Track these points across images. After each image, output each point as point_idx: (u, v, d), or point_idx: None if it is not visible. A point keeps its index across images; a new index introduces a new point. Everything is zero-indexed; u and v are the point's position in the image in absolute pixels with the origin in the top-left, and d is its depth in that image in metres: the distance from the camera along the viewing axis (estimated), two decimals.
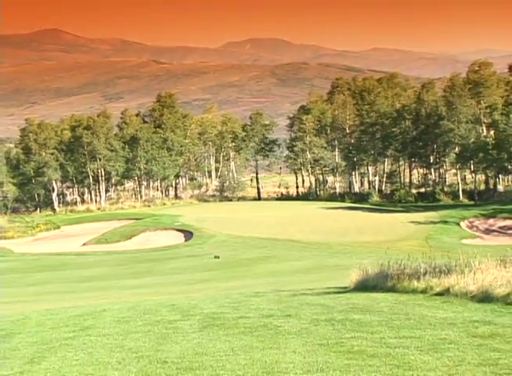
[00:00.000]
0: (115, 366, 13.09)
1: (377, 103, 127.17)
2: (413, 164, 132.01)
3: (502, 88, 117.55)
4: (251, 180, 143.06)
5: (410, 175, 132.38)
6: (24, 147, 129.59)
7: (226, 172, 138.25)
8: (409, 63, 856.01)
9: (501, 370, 11.00)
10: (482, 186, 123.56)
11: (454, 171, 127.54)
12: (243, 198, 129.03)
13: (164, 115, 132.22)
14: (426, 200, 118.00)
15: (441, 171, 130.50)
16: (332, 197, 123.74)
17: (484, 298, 19.76)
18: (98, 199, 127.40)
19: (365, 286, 25.70)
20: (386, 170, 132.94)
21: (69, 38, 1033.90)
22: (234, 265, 60.79)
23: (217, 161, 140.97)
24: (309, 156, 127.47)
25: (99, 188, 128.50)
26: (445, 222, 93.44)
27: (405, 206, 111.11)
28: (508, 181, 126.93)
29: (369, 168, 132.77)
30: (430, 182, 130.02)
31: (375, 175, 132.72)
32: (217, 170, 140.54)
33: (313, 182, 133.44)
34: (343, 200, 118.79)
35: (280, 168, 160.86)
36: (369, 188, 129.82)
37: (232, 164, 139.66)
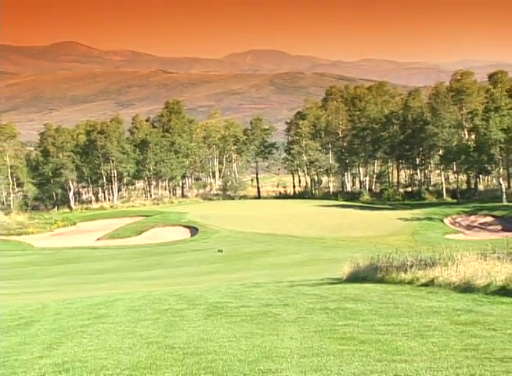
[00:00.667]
0: (126, 351, 13.10)
1: (368, 110, 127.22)
2: (401, 166, 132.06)
3: (483, 96, 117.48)
4: (252, 180, 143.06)
5: (398, 176, 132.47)
6: (43, 150, 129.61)
7: (229, 173, 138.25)
8: (397, 72, 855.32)
9: (482, 355, 11.00)
10: (464, 186, 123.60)
11: (438, 171, 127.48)
12: (244, 197, 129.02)
13: (172, 120, 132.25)
14: (412, 198, 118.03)
15: (426, 171, 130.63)
16: (326, 196, 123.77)
17: (466, 288, 19.76)
18: (111, 197, 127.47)
19: (356, 277, 25.70)
20: (376, 171, 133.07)
21: (84, 50, 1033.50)
22: (236, 259, 60.82)
23: (220, 163, 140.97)
24: (305, 158, 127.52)
25: (111, 187, 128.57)
26: (430, 219, 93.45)
27: (393, 204, 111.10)
28: (488, 181, 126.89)
29: (360, 169, 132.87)
30: (416, 182, 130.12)
31: (365, 176, 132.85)
32: (220, 171, 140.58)
33: (309, 182, 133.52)
34: (336, 199, 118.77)
35: (278, 169, 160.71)
36: (360, 187, 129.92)
37: (234, 165, 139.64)
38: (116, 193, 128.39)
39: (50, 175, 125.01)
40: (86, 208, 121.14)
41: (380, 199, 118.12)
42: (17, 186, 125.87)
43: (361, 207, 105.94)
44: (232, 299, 21.00)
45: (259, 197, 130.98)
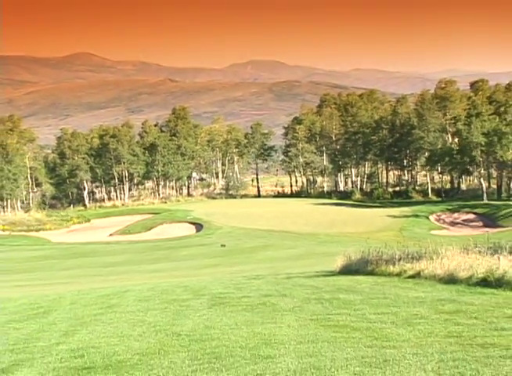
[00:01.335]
0: (137, 338, 13.10)
1: (359, 115, 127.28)
2: (389, 167, 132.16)
3: (465, 103, 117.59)
4: (252, 180, 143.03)
5: (387, 176, 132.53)
6: (60, 153, 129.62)
7: (231, 174, 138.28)
8: (386, 81, 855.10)
9: (464, 341, 11.00)
10: (448, 185, 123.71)
11: (424, 172, 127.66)
12: (245, 196, 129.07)
13: (178, 125, 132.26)
14: (400, 197, 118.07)
15: (413, 172, 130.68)
16: (320, 195, 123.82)
17: (450, 280, 19.77)
18: (122, 196, 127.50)
19: (348, 270, 25.71)
20: (366, 172, 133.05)
21: (98, 60, 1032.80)
22: (238, 253, 60.82)
23: (223, 164, 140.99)
24: (301, 160, 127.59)
25: (123, 187, 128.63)
26: (417, 216, 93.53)
27: (382, 202, 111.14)
28: (470, 181, 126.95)
29: (352, 170, 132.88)
30: (404, 182, 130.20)
31: (357, 176, 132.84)
32: (223, 172, 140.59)
33: (305, 182, 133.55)
34: (330, 198, 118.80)
35: (277, 170, 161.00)
36: (352, 187, 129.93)
37: (236, 166, 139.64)
38: (127, 193, 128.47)
39: (66, 175, 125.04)
40: (99, 206, 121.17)
41: (371, 198, 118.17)
42: (36, 186, 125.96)
43: (353, 206, 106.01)
44: (234, 290, 21.01)
45: (259, 196, 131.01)
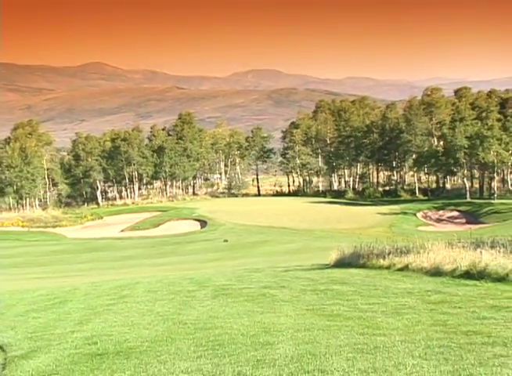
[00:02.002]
0: (146, 326, 13.10)
1: (351, 120, 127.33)
2: (380, 168, 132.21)
3: (449, 108, 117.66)
4: (253, 180, 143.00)
5: (377, 176, 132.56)
6: (75, 155, 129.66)
7: (233, 174, 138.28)
8: (377, 88, 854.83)
9: (449, 329, 11.00)
10: (434, 185, 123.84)
11: (412, 173, 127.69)
12: (246, 195, 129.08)
13: (184, 130, 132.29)
14: (390, 196, 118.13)
15: (401, 173, 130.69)
16: (316, 194, 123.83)
17: (436, 272, 19.76)
18: (132, 195, 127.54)
19: (342, 263, 25.69)
20: (358, 172, 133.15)
21: (109, 69, 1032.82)
22: (239, 248, 60.81)
23: (225, 165, 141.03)
24: (298, 161, 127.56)
25: (133, 187, 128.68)
26: (405, 213, 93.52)
27: (373, 201, 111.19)
28: (454, 181, 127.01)
29: (345, 170, 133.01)
30: (393, 182, 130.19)
31: (350, 176, 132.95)
32: (225, 172, 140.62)
33: (301, 182, 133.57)
34: (325, 196, 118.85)
35: (275, 171, 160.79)
36: (345, 186, 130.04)
37: (238, 167, 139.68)
38: (137, 192, 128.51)
39: (81, 176, 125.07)
40: (111, 204, 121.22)
41: (362, 196, 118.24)
42: (53, 186, 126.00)
43: (346, 204, 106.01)
44: (236, 282, 21.00)
45: (259, 195, 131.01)
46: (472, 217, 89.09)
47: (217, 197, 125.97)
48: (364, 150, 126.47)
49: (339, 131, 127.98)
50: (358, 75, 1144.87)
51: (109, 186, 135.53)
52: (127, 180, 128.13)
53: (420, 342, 9.95)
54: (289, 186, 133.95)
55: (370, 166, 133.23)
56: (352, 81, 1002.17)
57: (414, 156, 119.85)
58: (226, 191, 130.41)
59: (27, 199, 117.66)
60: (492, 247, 21.66)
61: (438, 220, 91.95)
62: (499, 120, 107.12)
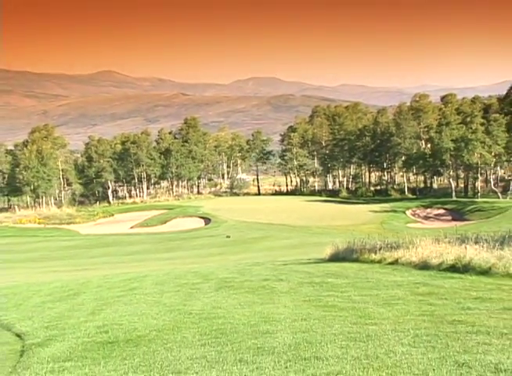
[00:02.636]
0: (154, 316, 13.10)
1: (345, 124, 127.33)
2: (371, 169, 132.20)
3: (436, 113, 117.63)
4: (253, 180, 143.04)
5: (369, 177, 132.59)
6: (87, 157, 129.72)
7: (235, 174, 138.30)
8: (368, 95, 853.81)
9: (436, 319, 11.00)
10: (422, 185, 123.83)
11: (401, 173, 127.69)
12: (247, 194, 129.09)
13: (190, 133, 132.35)
14: (381, 195, 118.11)
15: (391, 173, 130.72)
16: (312, 193, 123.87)
17: (424, 266, 19.76)
18: (141, 194, 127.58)
19: (336, 258, 25.68)
20: (351, 173, 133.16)
21: (120, 77, 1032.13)
22: (240, 243, 60.82)
23: (228, 166, 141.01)
24: (295, 163, 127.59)
25: (142, 186, 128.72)
26: (395, 211, 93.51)
27: (365, 199, 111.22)
28: (440, 181, 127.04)
29: (339, 171, 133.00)
30: (384, 182, 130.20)
31: (343, 177, 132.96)
32: (228, 173, 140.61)
33: (298, 182, 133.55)
34: (320, 195, 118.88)
35: (274, 172, 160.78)
36: (340, 186, 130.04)
37: (239, 168, 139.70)
38: (145, 191, 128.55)
39: (93, 176, 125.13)
40: (122, 203, 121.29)
41: (355, 195, 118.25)
42: (67, 185, 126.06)
43: (340, 202, 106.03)
44: (238, 275, 21.00)
45: (259, 194, 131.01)
46: (457, 214, 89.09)
47: (220, 195, 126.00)
48: (357, 152, 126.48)
49: (333, 134, 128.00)
50: (351, 82, 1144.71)
51: (120, 186, 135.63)
52: (136, 180, 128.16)
53: (409, 331, 9.95)
54: (287, 185, 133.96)
55: (363, 167, 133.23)
56: (346, 87, 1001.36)
57: (403, 158, 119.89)
58: (228, 190, 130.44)
59: (43, 198, 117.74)
60: (476, 242, 21.65)
61: (426, 217, 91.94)
62: (482, 124, 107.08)
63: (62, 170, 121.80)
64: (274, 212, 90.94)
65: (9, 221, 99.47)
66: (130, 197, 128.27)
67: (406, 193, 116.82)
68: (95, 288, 20.24)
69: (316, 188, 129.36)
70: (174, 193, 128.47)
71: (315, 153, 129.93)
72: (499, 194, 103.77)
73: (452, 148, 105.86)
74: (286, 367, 8.07)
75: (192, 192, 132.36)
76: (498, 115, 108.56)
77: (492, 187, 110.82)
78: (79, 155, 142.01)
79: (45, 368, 9.26)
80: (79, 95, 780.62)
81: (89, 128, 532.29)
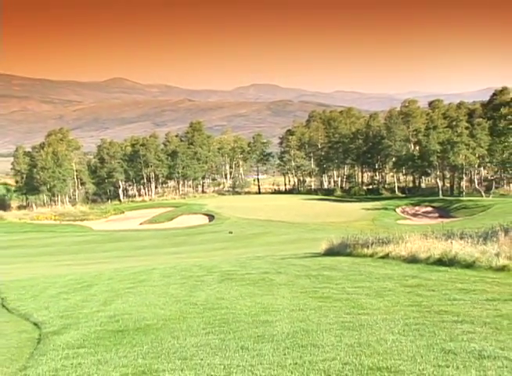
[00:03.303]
0: (161, 306, 13.11)
1: (339, 128, 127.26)
2: (364, 169, 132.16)
3: (424, 118, 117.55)
4: (254, 180, 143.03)
5: (362, 177, 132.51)
6: (100, 158, 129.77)
7: (237, 175, 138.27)
8: (361, 100, 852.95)
9: (424, 309, 11.00)
10: (411, 184, 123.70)
11: (392, 174, 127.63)
12: (248, 192, 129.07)
13: (195, 136, 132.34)
14: (372, 193, 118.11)
15: (382, 174, 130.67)
16: (309, 192, 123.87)
17: (412, 260, 19.75)
18: (150, 193, 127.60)
19: (331, 252, 25.68)
20: (345, 173, 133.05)
21: (129, 84, 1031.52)
22: (242, 238, 60.83)
23: (230, 167, 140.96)
24: (293, 163, 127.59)
25: (150, 185, 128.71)
26: (386, 209, 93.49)
27: (358, 198, 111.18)
28: (428, 180, 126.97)
29: (334, 171, 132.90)
30: (376, 182, 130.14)
31: (338, 177, 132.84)
32: (230, 173, 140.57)
33: (296, 182, 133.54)
34: (316, 194, 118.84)
35: (274, 172, 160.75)
36: (334, 185, 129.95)
37: (241, 169, 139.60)
38: (153, 190, 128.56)
39: (105, 176, 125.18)
40: (131, 201, 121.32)
41: (349, 194, 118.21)
42: (81, 185, 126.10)
43: (335, 200, 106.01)
44: (239, 268, 21.00)
45: (259, 193, 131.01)
46: (444, 212, 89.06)
47: (223, 194, 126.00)
48: (350, 154, 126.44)
49: (329, 137, 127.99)
50: (345, 89, 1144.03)
51: (130, 185, 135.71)
52: (145, 180, 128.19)
53: (399, 320, 9.95)
54: (285, 185, 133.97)
55: (356, 168, 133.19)
56: (340, 94, 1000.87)
57: (394, 159, 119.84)
58: (231, 189, 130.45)
59: (59, 196, 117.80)
60: (461, 238, 21.65)
61: (415, 215, 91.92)
62: (467, 128, 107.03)
63: (76, 170, 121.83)
64: (273, 210, 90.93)
65: (27, 218, 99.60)
66: (139, 195, 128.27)
67: (396, 192, 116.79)
68: (106, 280, 20.25)
69: (313, 187, 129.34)
70: (181, 192, 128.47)
71: (311, 154, 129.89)
72: (483, 193, 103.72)
73: (438, 150, 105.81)
74: (285, 354, 8.07)
75: (197, 191, 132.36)
76: (481, 120, 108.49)
77: (476, 186, 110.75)
78: (92, 157, 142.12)
79: (60, 354, 9.27)
80: (92, 101, 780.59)
81: (101, 132, 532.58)
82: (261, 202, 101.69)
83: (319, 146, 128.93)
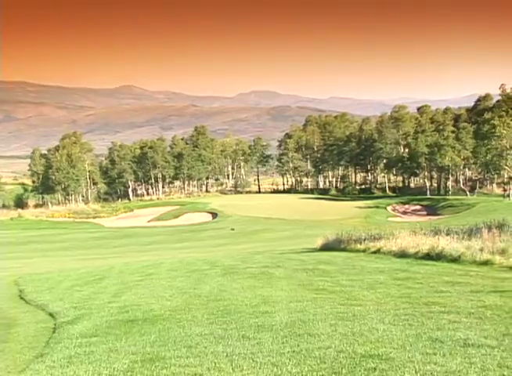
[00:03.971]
0: (168, 298, 13.11)
1: (334, 132, 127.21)
2: (357, 170, 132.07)
3: (413, 122, 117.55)
4: (254, 180, 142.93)
5: (355, 177, 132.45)
6: (111, 160, 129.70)
7: (238, 175, 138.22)
8: (355, 106, 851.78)
9: (413, 301, 11.01)
10: (401, 184, 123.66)
11: (383, 174, 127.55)
12: (249, 192, 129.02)
13: (199, 139, 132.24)
14: (365, 193, 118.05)
15: (374, 174, 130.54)
16: (305, 191, 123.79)
17: (402, 254, 19.76)
18: (157, 192, 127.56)
19: (327, 247, 25.69)
20: (340, 174, 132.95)
21: (138, 91, 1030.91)
22: (243, 235, 60.78)
23: (232, 168, 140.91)
24: (291, 165, 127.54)
25: (157, 185, 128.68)
26: (377, 207, 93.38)
27: (352, 197, 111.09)
28: (417, 181, 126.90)
29: (329, 172, 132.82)
30: (368, 182, 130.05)
31: (333, 177, 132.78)
32: (232, 174, 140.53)
33: (294, 182, 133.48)
34: (312, 193, 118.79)
35: (273, 173, 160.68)
36: (329, 185, 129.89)
37: (242, 170, 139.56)
38: (161, 189, 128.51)
39: (115, 176, 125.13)
40: (140, 200, 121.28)
41: (343, 193, 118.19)
42: (93, 185, 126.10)
43: (330, 199, 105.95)
44: (241, 262, 21.00)
45: (259, 192, 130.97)
46: (431, 210, 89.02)
47: (225, 193, 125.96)
48: (344, 156, 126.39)
49: (324, 140, 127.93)
50: (340, 95, 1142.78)
51: (139, 185, 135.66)
52: (153, 180, 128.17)
53: (390, 311, 9.95)
54: (284, 184, 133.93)
55: (349, 169, 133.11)
56: (335, 100, 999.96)
57: (385, 160, 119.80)
58: (233, 189, 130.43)
59: (73, 195, 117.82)
60: (448, 234, 21.66)
61: (404, 212, 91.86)
62: (453, 132, 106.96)
63: (88, 171, 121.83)
64: (272, 208, 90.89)
65: (43, 215, 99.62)
66: (147, 194, 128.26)
67: (387, 191, 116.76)
68: (117, 274, 20.26)
69: (309, 187, 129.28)
70: (186, 192, 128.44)
71: (308, 156, 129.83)
72: (468, 192, 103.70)
73: (426, 152, 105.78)
74: (283, 343, 8.08)
75: (201, 190, 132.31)
76: (466, 124, 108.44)
77: (461, 186, 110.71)
78: (103, 158, 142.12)
79: (74, 343, 9.27)
80: (103, 107, 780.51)
81: (112, 135, 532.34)
82: (261, 201, 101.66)
83: (315, 149, 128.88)
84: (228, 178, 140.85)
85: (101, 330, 10.15)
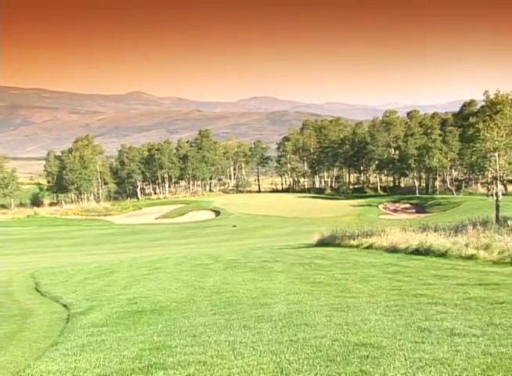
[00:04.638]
0: (174, 291, 13.11)
1: (329, 135, 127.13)
2: (351, 171, 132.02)
3: (403, 126, 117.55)
4: (255, 180, 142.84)
5: (349, 177, 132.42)
6: (120, 161, 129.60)
7: (240, 176, 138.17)
8: (348, 111, 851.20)
9: (403, 293, 11.00)
10: (391, 184, 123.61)
11: (375, 175, 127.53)
12: (249, 191, 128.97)
13: (203, 142, 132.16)
14: (358, 192, 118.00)
15: (367, 175, 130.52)
16: (302, 191, 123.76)
17: (393, 250, 19.76)
18: (164, 191, 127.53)
19: (322, 243, 25.70)
20: (335, 174, 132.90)
21: (146, 97, 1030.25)
22: (244, 231, 60.82)
23: (234, 169, 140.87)
24: (289, 166, 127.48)
25: (164, 185, 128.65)
26: (370, 205, 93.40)
27: (346, 196, 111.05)
28: (406, 181, 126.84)
29: (325, 173, 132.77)
30: (361, 182, 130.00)
31: (328, 177, 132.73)
32: (234, 174, 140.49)
33: (291, 182, 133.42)
34: (309, 192, 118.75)
35: (272, 173, 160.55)
36: (325, 185, 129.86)
37: (243, 170, 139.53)
38: (167, 189, 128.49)
39: (125, 177, 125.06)
40: (148, 199, 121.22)
41: (338, 192, 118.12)
42: (104, 184, 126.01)
43: (325, 198, 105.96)
44: (242, 257, 21.01)
45: (259, 191, 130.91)
46: (420, 208, 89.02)
47: (227, 193, 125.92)
48: (339, 158, 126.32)
49: (320, 143, 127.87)
50: (334, 101, 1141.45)
51: (147, 185, 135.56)
52: (159, 180, 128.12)
53: (381, 303, 9.95)
54: (282, 184, 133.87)
55: (344, 169, 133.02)
56: (330, 105, 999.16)
57: (376, 162, 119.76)
58: (235, 188, 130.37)
59: (85, 194, 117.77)
60: (435, 230, 21.67)
61: (395, 210, 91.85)
62: (440, 135, 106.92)
63: (100, 172, 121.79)
64: (272, 206, 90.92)
65: (57, 213, 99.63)
66: (155, 193, 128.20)
67: (379, 190, 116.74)
68: (126, 268, 20.27)
69: (306, 186, 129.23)
70: (191, 191, 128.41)
71: (305, 158, 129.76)
72: (454, 192, 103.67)
73: (415, 154, 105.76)
74: (282, 332, 8.07)
75: (205, 190, 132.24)
76: (453, 128, 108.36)
77: (448, 186, 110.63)
78: (113, 160, 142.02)
79: (86, 332, 9.27)
80: (114, 112, 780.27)
81: (122, 138, 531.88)
82: (261, 199, 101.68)
83: (312, 151, 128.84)
84: (230, 178, 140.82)
85: (111, 320, 10.15)
